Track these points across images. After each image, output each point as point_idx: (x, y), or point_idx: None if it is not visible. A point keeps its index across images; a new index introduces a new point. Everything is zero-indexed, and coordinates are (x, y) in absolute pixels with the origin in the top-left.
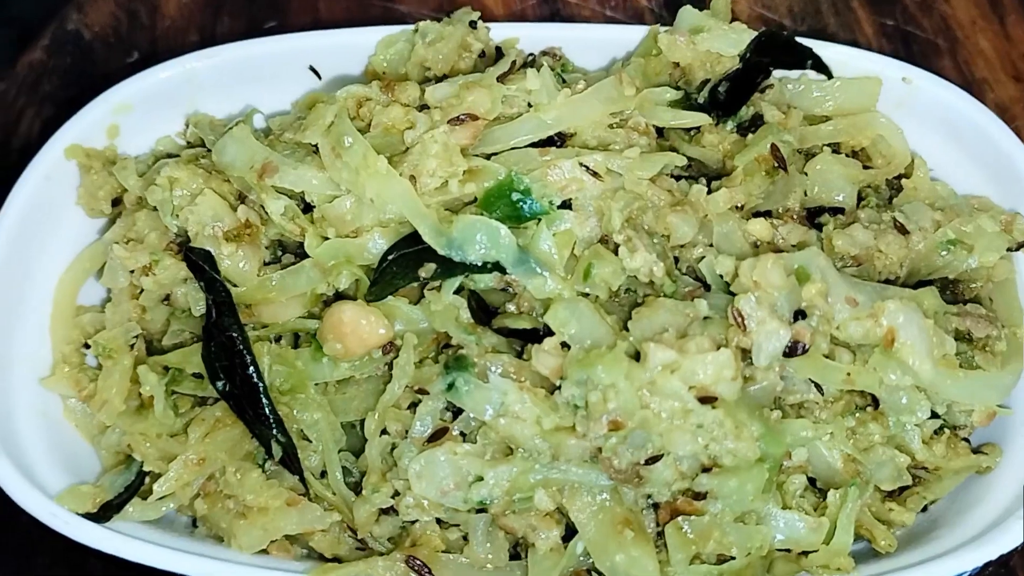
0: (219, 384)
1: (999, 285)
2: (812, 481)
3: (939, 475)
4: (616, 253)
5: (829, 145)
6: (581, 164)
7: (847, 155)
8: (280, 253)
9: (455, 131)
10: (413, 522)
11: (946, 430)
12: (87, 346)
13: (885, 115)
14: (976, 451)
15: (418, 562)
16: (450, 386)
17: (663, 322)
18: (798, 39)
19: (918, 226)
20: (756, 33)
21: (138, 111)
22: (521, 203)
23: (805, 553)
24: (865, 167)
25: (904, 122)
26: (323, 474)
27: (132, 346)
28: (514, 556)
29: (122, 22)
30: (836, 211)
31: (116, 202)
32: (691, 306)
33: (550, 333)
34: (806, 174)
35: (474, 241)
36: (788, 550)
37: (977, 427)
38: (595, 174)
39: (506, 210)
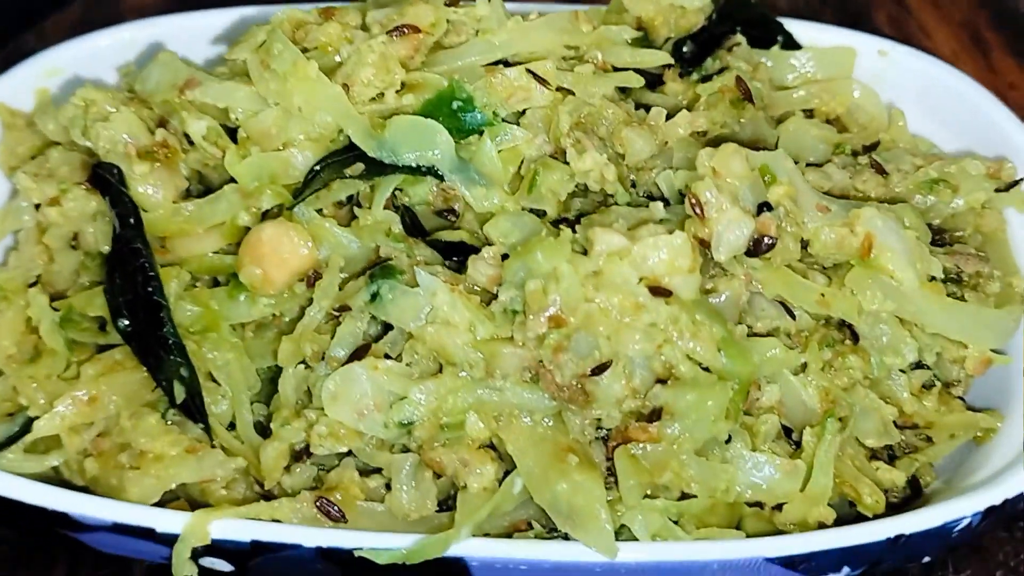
0: (121, 323)
1: (988, 236)
2: (787, 433)
3: (931, 433)
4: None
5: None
6: (528, 71)
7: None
8: (201, 189)
9: (394, 42)
10: (328, 470)
11: (937, 383)
12: None
13: (860, 81)
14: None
15: (332, 505)
16: (374, 296)
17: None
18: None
19: (897, 168)
20: None
21: (68, 74)
22: (463, 113)
23: (779, 508)
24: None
25: (881, 96)
26: (232, 426)
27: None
28: (443, 509)
29: None
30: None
31: None
32: (646, 211)
33: None
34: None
35: (408, 141)
36: (759, 505)
37: (972, 376)
38: (543, 81)
39: (447, 122)
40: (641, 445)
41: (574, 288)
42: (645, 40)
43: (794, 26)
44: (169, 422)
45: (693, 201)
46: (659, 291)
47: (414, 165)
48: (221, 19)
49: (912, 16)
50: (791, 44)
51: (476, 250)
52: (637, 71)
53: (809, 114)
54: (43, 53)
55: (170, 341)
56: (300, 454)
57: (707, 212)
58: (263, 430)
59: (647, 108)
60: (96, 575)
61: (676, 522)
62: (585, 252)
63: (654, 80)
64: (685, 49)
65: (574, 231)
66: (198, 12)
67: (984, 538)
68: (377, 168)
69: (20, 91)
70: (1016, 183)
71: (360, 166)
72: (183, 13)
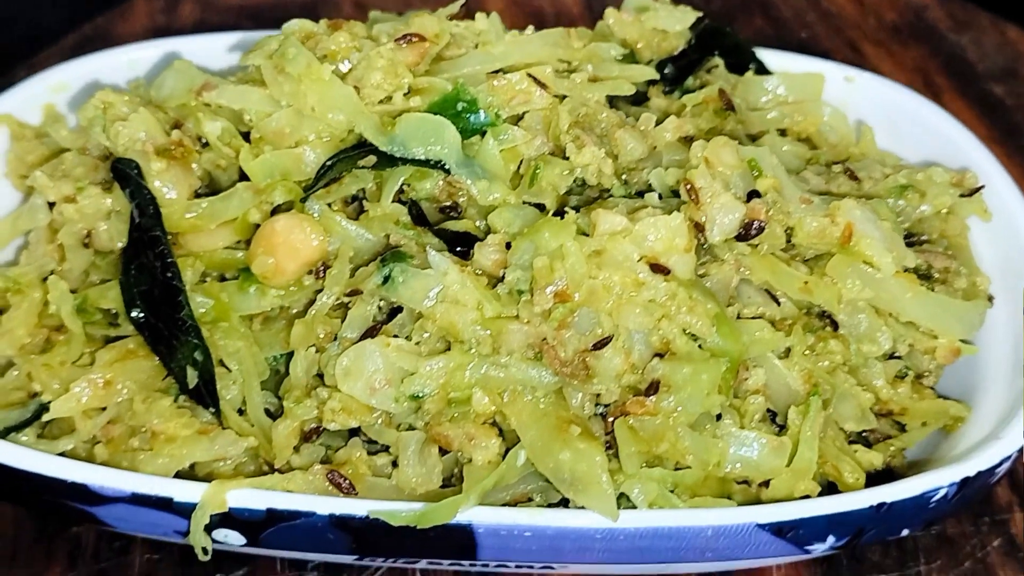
0: (135, 313)
1: (952, 241)
2: (772, 418)
3: (905, 420)
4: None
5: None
6: (529, 75)
7: None
8: (209, 192)
9: (402, 49)
10: (337, 449)
11: (909, 373)
12: None
13: (829, 103)
14: None
15: (342, 478)
16: (386, 279)
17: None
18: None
19: (869, 175)
20: (700, 14)
21: (75, 90)
22: (467, 113)
23: (766, 484)
24: None
25: (848, 119)
26: (240, 412)
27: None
28: (446, 486)
29: None
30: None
31: None
32: (642, 200)
33: None
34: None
35: (417, 136)
36: (747, 482)
37: (942, 365)
38: (543, 85)
39: (451, 122)
40: (639, 417)
41: (579, 264)
42: (631, 59)
43: (765, 54)
44: (179, 408)
45: (688, 187)
46: (658, 268)
47: (422, 159)
48: (221, 41)
49: (868, 62)
50: (763, 71)
51: (479, 240)
52: None
53: (782, 133)
54: (49, 70)
55: (187, 324)
56: (309, 435)
57: (702, 197)
58: (271, 416)
59: (636, 119)
60: (95, 567)
61: (672, 491)
62: (587, 235)
63: (639, 98)
64: (666, 70)
65: None
66: (199, 35)
67: (953, 532)
68: (387, 161)
69: (25, 106)
70: (978, 189)
71: (372, 158)
72: (183, 36)
